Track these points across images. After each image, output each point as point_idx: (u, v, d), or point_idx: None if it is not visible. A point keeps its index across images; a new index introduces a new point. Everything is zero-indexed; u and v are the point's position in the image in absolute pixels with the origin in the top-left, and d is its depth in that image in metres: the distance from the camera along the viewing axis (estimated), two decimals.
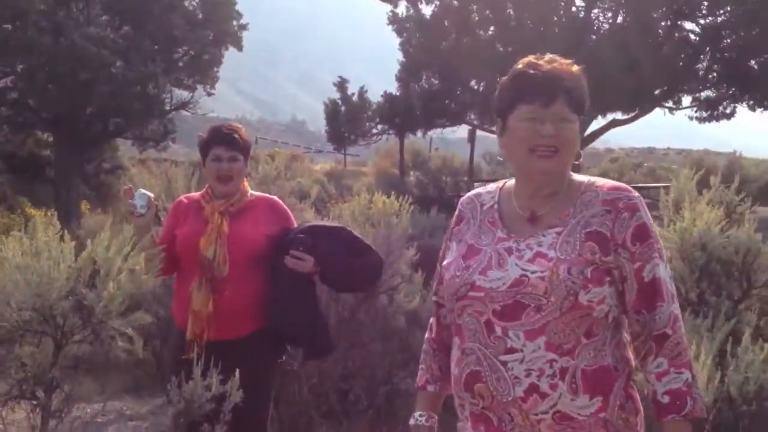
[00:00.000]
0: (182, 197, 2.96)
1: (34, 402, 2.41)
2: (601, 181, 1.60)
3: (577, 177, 1.61)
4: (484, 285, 1.55)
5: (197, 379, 2.43)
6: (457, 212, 1.73)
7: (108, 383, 5.74)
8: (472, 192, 1.75)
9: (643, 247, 1.51)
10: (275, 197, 2.98)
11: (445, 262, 1.67)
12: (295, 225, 2.88)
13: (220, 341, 2.63)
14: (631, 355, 1.58)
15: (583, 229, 1.53)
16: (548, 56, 1.57)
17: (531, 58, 1.58)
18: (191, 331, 2.63)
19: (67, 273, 2.46)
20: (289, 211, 2.94)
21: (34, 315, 2.43)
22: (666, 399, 1.48)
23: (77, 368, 2.47)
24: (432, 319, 1.78)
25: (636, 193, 1.56)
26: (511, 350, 1.51)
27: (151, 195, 2.75)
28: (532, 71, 1.54)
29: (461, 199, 1.76)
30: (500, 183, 1.71)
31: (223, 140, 2.75)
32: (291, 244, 2.66)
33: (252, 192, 2.88)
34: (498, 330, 1.52)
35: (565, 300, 1.47)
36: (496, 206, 1.66)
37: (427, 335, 1.79)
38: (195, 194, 2.95)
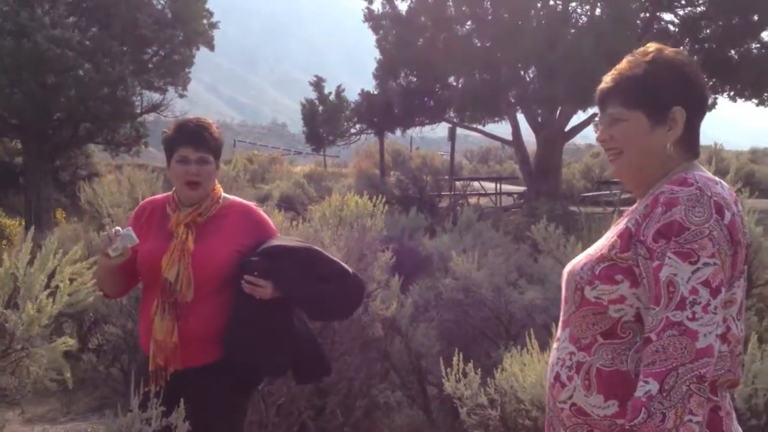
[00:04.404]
0: (145, 202, 2.59)
1: None
2: (681, 177, 1.46)
3: (680, 173, 1.50)
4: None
5: (135, 412, 2.11)
6: None
7: (74, 402, 5.42)
8: None
9: (666, 246, 1.40)
10: (251, 204, 2.61)
11: None
12: (277, 234, 2.52)
13: (186, 369, 2.31)
14: None
15: (624, 226, 1.52)
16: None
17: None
18: (153, 362, 2.30)
19: None
20: (267, 219, 2.57)
21: None
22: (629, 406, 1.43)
23: None
24: None
25: (691, 189, 1.41)
26: (557, 338, 1.62)
27: (136, 241, 2.32)
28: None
29: None
30: None
31: (191, 139, 2.37)
32: (244, 268, 2.31)
33: (225, 196, 2.50)
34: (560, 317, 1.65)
35: (575, 294, 1.54)
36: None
37: None
38: (160, 197, 2.57)
